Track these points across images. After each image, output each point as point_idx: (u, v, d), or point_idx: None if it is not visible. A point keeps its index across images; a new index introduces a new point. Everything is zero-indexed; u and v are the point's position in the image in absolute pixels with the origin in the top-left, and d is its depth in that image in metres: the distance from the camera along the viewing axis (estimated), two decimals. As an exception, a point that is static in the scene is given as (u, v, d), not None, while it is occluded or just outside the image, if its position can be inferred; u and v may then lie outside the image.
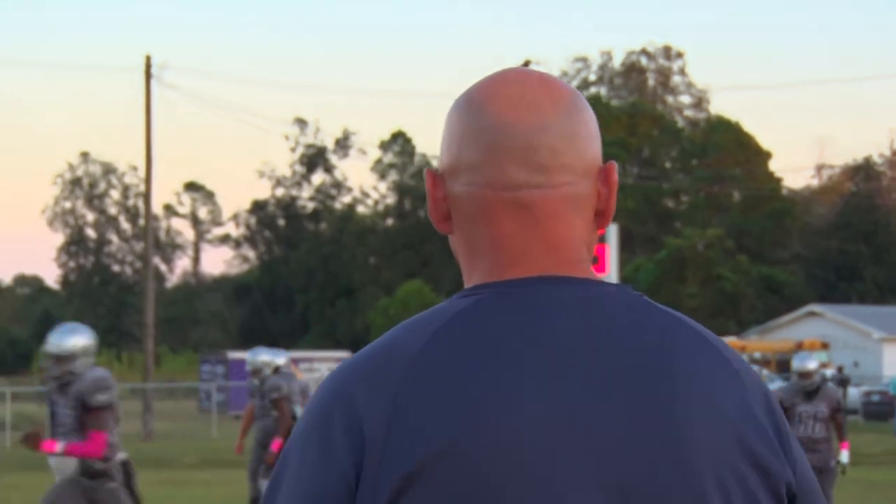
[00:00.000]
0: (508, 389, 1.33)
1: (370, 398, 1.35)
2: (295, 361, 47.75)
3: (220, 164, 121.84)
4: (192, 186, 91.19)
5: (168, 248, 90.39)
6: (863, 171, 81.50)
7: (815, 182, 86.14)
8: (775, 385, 33.32)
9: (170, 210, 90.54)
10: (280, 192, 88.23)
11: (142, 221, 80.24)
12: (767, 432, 1.41)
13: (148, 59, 34.13)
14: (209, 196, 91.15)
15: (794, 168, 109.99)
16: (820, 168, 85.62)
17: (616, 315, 1.39)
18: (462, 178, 1.46)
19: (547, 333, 1.36)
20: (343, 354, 50.19)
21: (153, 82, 33.78)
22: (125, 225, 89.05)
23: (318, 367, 47.63)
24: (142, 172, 50.35)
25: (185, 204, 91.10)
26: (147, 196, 33.83)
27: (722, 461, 1.37)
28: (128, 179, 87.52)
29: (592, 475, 1.32)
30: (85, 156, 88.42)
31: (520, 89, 1.46)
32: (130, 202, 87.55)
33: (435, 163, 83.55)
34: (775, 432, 1.43)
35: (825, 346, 48.94)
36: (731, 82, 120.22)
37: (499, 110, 1.44)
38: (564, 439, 1.32)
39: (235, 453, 14.39)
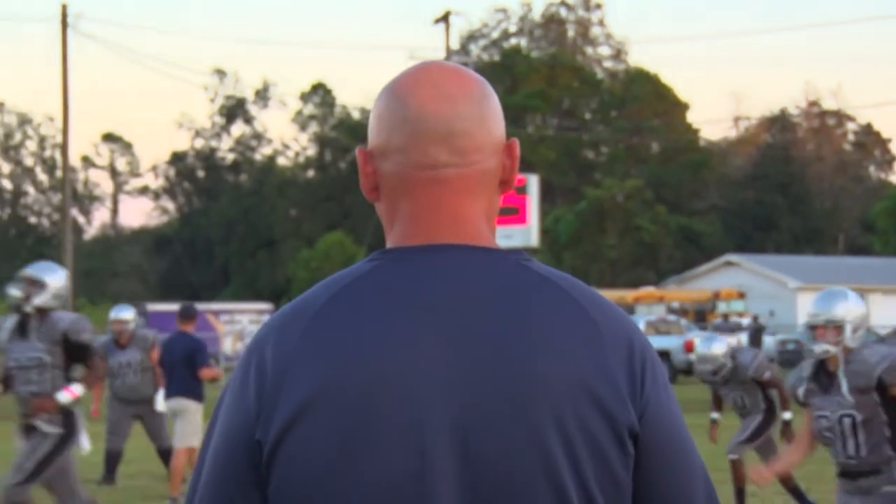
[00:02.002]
0: (381, 343, 1.61)
1: (277, 346, 1.64)
2: (215, 313, 47.58)
3: (139, 115, 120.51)
4: (109, 137, 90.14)
5: (86, 200, 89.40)
6: (779, 122, 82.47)
7: (732, 133, 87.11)
8: (693, 334, 33.79)
9: (87, 161, 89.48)
10: (199, 143, 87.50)
11: (59, 173, 79.23)
12: (616, 380, 1.64)
13: (64, 8, 33.63)
14: (127, 147, 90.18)
15: (712, 119, 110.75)
16: (737, 119, 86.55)
17: (489, 278, 1.67)
18: (391, 158, 1.73)
19: (426, 294, 1.64)
20: (264, 307, 50.04)
21: (69, 32, 33.31)
22: (42, 176, 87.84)
23: (238, 319, 47.50)
24: (59, 123, 49.69)
25: (103, 155, 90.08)
26: (64, 147, 33.41)
27: (563, 403, 1.61)
28: (44, 130, 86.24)
29: (441, 409, 1.59)
30: (0, 106, 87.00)
31: (436, 83, 1.72)
32: (47, 153, 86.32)
33: (353, 117, 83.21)
34: (627, 379, 1.65)
35: (742, 295, 49.68)
36: (649, 34, 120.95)
37: (420, 102, 1.71)
38: (422, 380, 1.60)
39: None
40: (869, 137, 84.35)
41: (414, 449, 1.59)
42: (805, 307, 49.34)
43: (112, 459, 13.50)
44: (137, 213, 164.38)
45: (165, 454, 12.97)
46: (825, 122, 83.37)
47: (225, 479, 1.64)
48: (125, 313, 13.60)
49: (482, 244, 1.71)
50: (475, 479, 1.59)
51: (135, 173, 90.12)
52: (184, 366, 12.33)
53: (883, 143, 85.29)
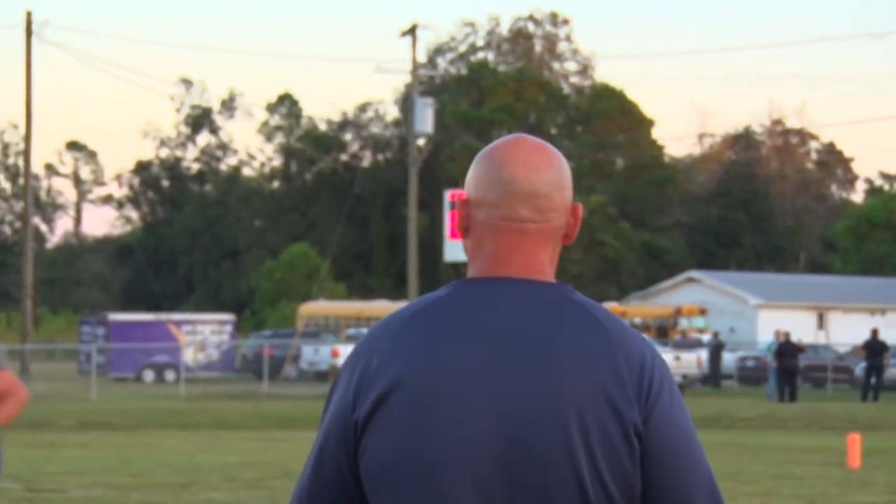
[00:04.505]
0: (446, 346, 2.12)
1: (376, 345, 2.16)
2: (177, 324, 47.40)
3: (104, 124, 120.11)
4: (74, 146, 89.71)
5: (49, 208, 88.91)
6: (743, 140, 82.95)
7: (696, 150, 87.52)
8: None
9: (51, 169, 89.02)
10: (164, 152, 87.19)
11: (21, 180, 78.74)
12: (626, 387, 2.09)
13: (29, 15, 33.53)
14: (91, 155, 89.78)
15: (677, 136, 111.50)
16: (701, 137, 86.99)
17: (537, 304, 2.15)
18: (485, 209, 2.21)
19: (486, 316, 2.14)
20: (226, 317, 49.83)
21: (34, 39, 33.21)
22: (4, 184, 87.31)
23: (200, 329, 47.30)
24: (22, 130, 49.43)
25: (67, 163, 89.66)
26: (27, 154, 33.28)
27: (584, 400, 2.08)
28: (7, 138, 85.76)
29: (488, 397, 2.09)
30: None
31: (525, 155, 2.22)
32: (10, 161, 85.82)
33: (319, 129, 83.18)
34: (636, 388, 2.10)
35: (703, 311, 49.94)
36: (616, 50, 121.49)
37: (513, 168, 2.20)
38: (473, 376, 2.10)
39: None
40: (831, 156, 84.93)
41: (468, 427, 2.08)
42: (765, 324, 49.78)
43: None
44: (101, 222, 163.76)
45: None
46: (788, 140, 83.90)
47: (328, 449, 2.16)
48: None
49: (543, 279, 2.20)
50: (511, 455, 2.07)
51: (99, 182, 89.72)
52: None
53: (845, 162, 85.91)
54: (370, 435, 2.12)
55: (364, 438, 2.13)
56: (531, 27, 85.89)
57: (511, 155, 2.22)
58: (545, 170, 2.21)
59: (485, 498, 2.08)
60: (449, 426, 2.09)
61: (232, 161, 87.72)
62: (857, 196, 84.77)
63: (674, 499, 2.11)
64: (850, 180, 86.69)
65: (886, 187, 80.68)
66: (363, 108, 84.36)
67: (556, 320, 2.14)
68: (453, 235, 34.39)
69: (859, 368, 36.87)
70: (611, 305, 48.91)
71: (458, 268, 66.92)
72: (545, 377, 2.09)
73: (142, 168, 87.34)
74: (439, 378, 2.10)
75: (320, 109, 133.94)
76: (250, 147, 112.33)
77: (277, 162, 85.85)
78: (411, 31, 44.08)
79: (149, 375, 44.13)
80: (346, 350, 41.59)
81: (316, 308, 53.85)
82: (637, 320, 47.77)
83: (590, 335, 2.12)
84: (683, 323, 48.24)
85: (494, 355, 2.11)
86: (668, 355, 35.88)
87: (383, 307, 55.00)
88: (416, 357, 2.12)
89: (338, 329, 50.20)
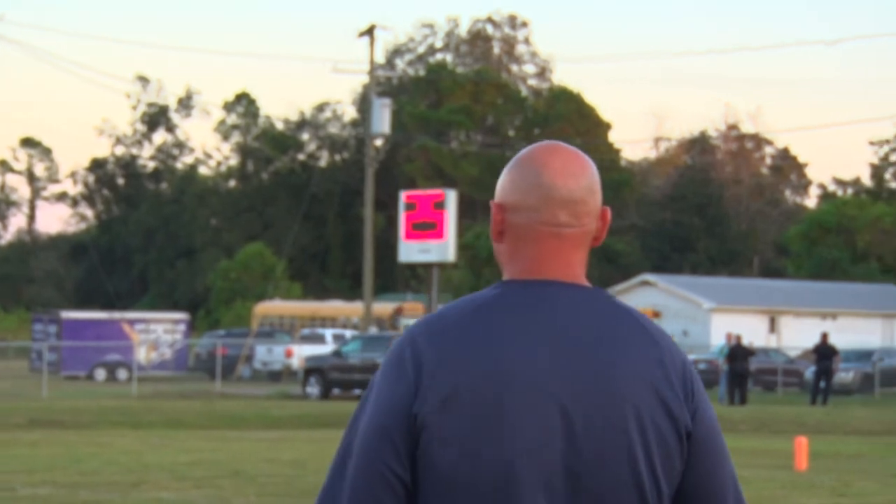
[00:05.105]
0: (510, 349, 2.16)
1: (428, 343, 2.17)
2: (130, 322, 47.17)
3: (59, 121, 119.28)
4: (28, 142, 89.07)
5: (2, 205, 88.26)
6: (698, 144, 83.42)
7: (652, 154, 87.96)
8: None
9: (5, 166, 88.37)
10: (120, 150, 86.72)
11: (-25, 177, 78.17)
12: (675, 387, 2.19)
13: (-18, 10, 33.26)
14: (46, 152, 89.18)
15: (633, 140, 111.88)
16: (657, 140, 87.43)
17: (586, 308, 2.22)
18: (524, 214, 2.27)
19: (542, 317, 2.20)
20: (180, 316, 49.63)
21: (-13, 35, 32.97)
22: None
23: (154, 328, 47.08)
24: (-25, 126, 49.06)
25: (21, 160, 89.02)
26: (-21, 151, 32.98)
27: (639, 400, 2.16)
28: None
29: (552, 398, 2.14)
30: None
31: (563, 162, 2.27)
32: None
33: (276, 128, 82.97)
34: (682, 389, 2.20)
35: (657, 314, 50.22)
36: (574, 53, 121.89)
37: (552, 175, 2.26)
38: (538, 377, 2.15)
39: None
40: (786, 162, 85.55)
41: (537, 426, 2.13)
42: (718, 328, 50.09)
43: None
44: (55, 220, 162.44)
45: None
46: (743, 145, 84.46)
47: (381, 443, 2.15)
48: None
49: (580, 282, 2.27)
50: (576, 455, 2.14)
51: (53, 179, 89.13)
52: None
53: (799, 167, 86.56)
54: (435, 434, 2.13)
55: (425, 435, 2.13)
56: (490, 29, 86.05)
57: (549, 161, 2.28)
58: (581, 176, 2.27)
59: (552, 498, 2.12)
60: (520, 428, 2.13)
61: (188, 159, 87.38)
62: (811, 201, 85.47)
63: (708, 493, 2.22)
64: (803, 186, 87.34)
65: (839, 193, 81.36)
66: (321, 107, 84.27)
67: (609, 323, 2.21)
68: (409, 236, 34.38)
69: (809, 372, 37.18)
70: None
71: (413, 268, 66.99)
72: (604, 379, 2.17)
73: (97, 165, 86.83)
74: (507, 380, 2.14)
75: (278, 109, 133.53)
76: (207, 146, 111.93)
77: (234, 161, 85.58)
78: (369, 32, 44.08)
79: (101, 374, 43.91)
80: (299, 350, 41.53)
81: (271, 308, 53.72)
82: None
83: (639, 337, 2.21)
84: (637, 326, 48.44)
85: (555, 357, 2.17)
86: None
87: (339, 307, 54.95)
88: (483, 358, 2.15)
89: (293, 329, 50.11)
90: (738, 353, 34.01)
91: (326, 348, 39.82)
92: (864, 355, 40.73)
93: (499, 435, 2.12)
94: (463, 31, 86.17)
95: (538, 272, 2.26)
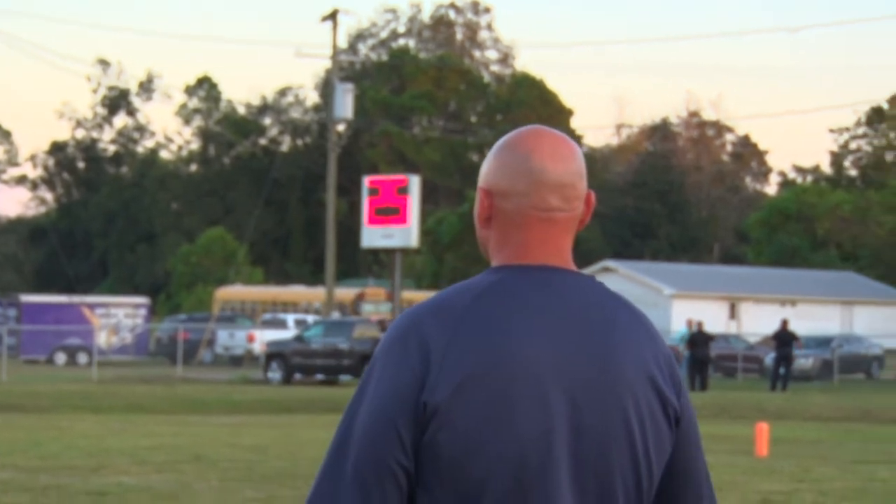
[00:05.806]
0: (517, 336, 2.15)
1: (434, 329, 2.13)
2: (91, 307, 46.91)
3: (18, 103, 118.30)
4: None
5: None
6: (660, 131, 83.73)
7: (614, 140, 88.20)
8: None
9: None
10: (80, 133, 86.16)
11: (-67, 159, 77.58)
12: (665, 374, 2.23)
13: (-59, -9, 32.94)
14: (6, 135, 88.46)
15: (595, 126, 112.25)
16: (619, 127, 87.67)
17: (584, 294, 2.23)
18: (513, 199, 2.24)
19: (545, 303, 2.19)
20: (140, 300, 49.39)
21: (-54, 16, 32.64)
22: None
23: (114, 312, 46.85)
24: (-67, 108, 48.65)
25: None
26: (-62, 133, 32.69)
27: (638, 387, 2.19)
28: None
29: (558, 385, 2.14)
30: None
31: (553, 146, 2.25)
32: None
33: (238, 112, 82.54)
34: (671, 376, 2.24)
35: (618, 300, 50.30)
36: (536, 40, 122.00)
37: (542, 159, 2.24)
38: (542, 364, 2.14)
39: None
40: (746, 149, 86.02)
41: (545, 414, 2.12)
42: (679, 314, 50.32)
43: None
44: (14, 203, 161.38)
45: None
46: (705, 132, 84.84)
47: (386, 431, 2.10)
48: None
49: (570, 268, 2.27)
50: (581, 440, 2.15)
51: (13, 162, 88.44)
52: None
53: (760, 154, 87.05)
54: (445, 421, 2.09)
55: (435, 422, 2.09)
56: (452, 15, 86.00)
57: (538, 145, 2.24)
58: (571, 159, 2.25)
59: (560, 484, 2.13)
60: (529, 414, 2.12)
61: (149, 143, 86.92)
62: (771, 189, 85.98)
63: (688, 477, 2.28)
64: (764, 173, 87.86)
65: (799, 180, 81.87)
66: (283, 92, 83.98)
67: (609, 311, 2.22)
68: (371, 221, 34.34)
69: (769, 358, 37.43)
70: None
71: (376, 254, 66.91)
72: (605, 365, 2.17)
73: (57, 149, 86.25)
74: (516, 366, 2.13)
75: (239, 93, 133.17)
76: (168, 130, 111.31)
77: (195, 145, 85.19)
78: (332, 17, 43.96)
79: (60, 358, 43.67)
80: (261, 335, 41.44)
81: (232, 292, 53.57)
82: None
83: (634, 325, 2.23)
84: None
85: (561, 343, 2.16)
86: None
87: (300, 292, 54.86)
88: (491, 345, 2.13)
89: (254, 314, 49.99)
90: (698, 339, 34.21)
91: (288, 333, 39.74)
92: (823, 342, 41.01)
93: (509, 421, 2.11)
94: (426, 16, 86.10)
95: (530, 257, 2.24)
